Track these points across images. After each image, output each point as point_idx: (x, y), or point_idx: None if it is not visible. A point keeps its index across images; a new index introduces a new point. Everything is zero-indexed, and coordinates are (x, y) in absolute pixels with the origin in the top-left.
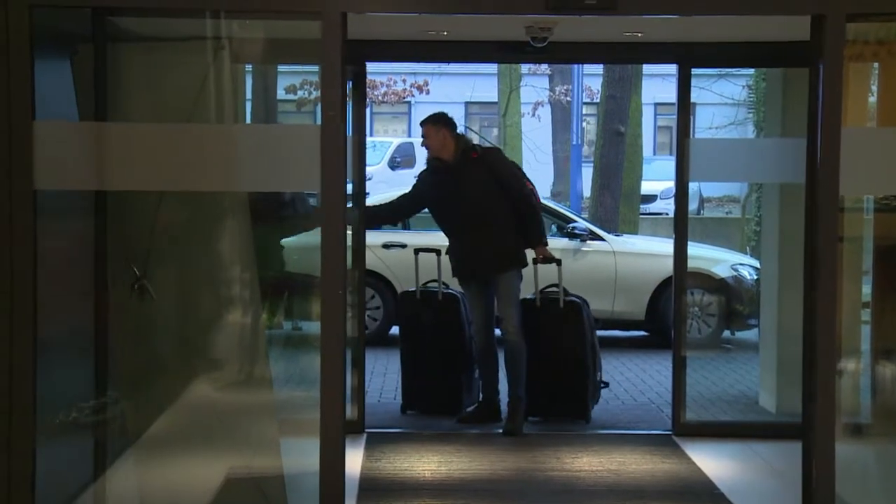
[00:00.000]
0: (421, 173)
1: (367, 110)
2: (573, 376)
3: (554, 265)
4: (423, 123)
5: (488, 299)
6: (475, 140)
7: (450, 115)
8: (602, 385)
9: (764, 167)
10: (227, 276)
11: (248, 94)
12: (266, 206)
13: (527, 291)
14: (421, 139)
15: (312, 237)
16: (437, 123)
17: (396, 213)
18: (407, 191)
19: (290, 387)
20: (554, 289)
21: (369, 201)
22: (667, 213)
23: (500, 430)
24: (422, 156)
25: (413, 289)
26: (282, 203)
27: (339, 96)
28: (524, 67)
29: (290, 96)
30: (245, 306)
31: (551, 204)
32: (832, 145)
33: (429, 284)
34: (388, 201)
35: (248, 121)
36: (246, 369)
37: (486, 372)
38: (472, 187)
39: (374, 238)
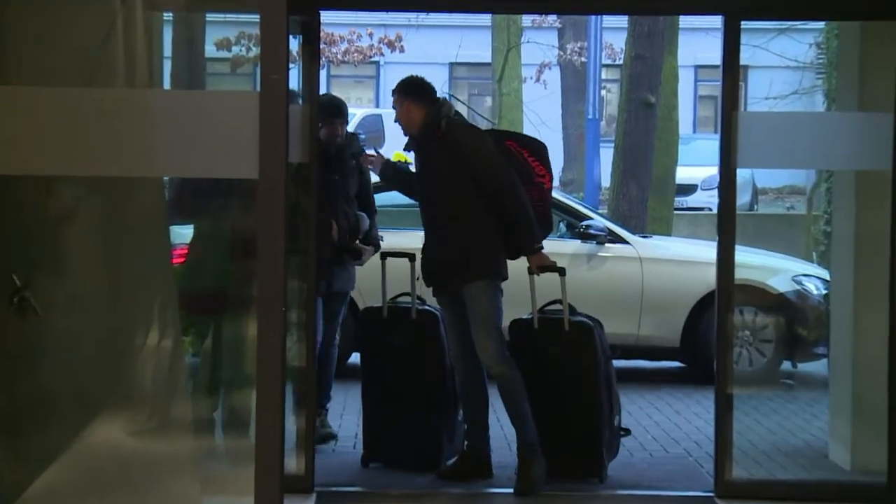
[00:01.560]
0: None
1: (323, 72)
2: (582, 421)
3: (552, 275)
4: (395, 90)
5: (465, 317)
6: (464, 112)
7: (424, 79)
8: (621, 433)
9: (836, 150)
10: (135, 289)
11: (167, 51)
12: (189, 197)
13: (523, 310)
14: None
15: None
16: (400, 93)
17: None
18: None
19: (217, 432)
20: (557, 306)
21: None
22: (709, 209)
23: (494, 489)
24: (394, 131)
25: (379, 304)
26: (210, 192)
27: (284, 54)
28: (526, 19)
29: (224, 53)
30: (159, 328)
31: (559, 196)
32: None
33: (399, 299)
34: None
35: (166, 85)
36: (159, 409)
37: (470, 413)
38: (434, 172)
39: None
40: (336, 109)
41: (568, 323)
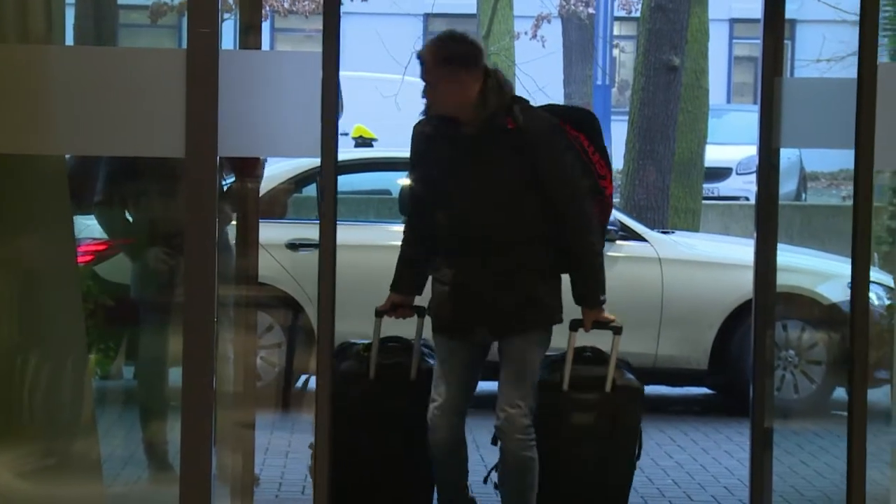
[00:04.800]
0: (417, 132)
1: (266, 25)
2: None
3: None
4: (445, 58)
5: (474, 370)
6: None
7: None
8: None
9: None
10: (29, 294)
11: None
12: (94, 181)
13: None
14: (424, 86)
15: None
16: (459, 64)
17: (424, 245)
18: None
19: (132, 472)
20: (586, 355)
21: (270, 175)
22: (746, 198)
23: None
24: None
25: (352, 343)
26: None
27: (216, 2)
28: None
29: (141, 0)
30: (60, 342)
31: None
32: None
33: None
34: (407, 243)
35: (69, 40)
36: (60, 444)
37: (448, 477)
38: (494, 178)
39: (272, 232)
40: None
41: (611, 383)
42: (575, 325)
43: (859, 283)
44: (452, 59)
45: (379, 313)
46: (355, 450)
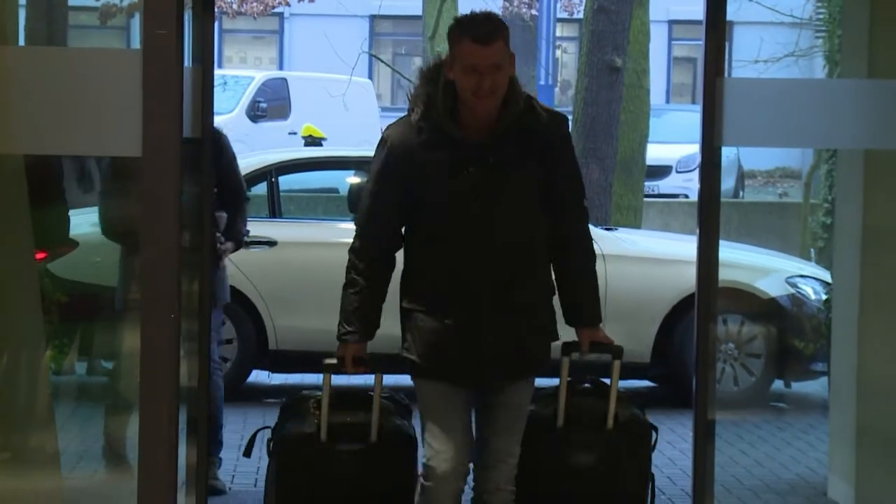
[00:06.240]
0: (387, 145)
1: (215, 26)
2: None
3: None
4: (487, 33)
5: (469, 417)
6: (387, 76)
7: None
8: None
9: (839, 125)
10: None
11: None
12: (54, 177)
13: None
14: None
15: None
16: (505, 36)
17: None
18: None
19: (89, 466)
20: (585, 386)
21: None
22: (686, 195)
23: None
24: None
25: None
26: (82, 170)
27: (173, 3)
28: None
29: (91, 2)
30: (18, 338)
31: None
32: None
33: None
34: (361, 265)
35: (21, 41)
36: (18, 439)
37: None
38: (519, 191)
39: None
40: None
41: (612, 419)
42: (568, 350)
43: None
44: (503, 32)
45: (329, 369)
46: None
